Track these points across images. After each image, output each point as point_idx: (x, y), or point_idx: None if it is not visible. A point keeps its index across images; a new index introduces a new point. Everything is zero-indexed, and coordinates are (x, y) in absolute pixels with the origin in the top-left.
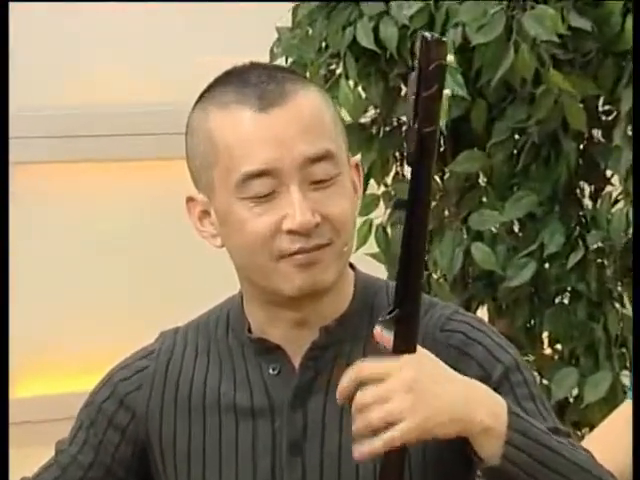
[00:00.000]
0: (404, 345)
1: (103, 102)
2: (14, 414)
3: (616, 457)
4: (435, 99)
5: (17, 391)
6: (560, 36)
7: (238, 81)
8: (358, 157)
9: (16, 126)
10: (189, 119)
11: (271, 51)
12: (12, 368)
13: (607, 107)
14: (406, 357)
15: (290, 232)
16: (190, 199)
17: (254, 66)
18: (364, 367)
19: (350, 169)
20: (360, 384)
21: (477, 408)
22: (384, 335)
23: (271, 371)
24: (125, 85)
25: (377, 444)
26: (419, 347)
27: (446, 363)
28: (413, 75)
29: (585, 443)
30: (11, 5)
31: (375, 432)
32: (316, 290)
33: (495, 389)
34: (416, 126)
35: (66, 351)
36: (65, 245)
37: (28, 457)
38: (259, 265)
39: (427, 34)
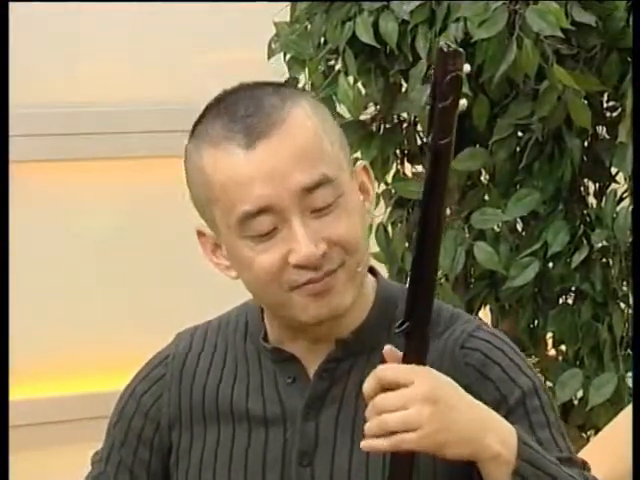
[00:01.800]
0: (415, 359)
1: (103, 101)
2: (13, 416)
3: (622, 459)
4: (451, 111)
5: (16, 393)
6: (564, 31)
7: (226, 114)
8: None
9: (14, 124)
10: (185, 150)
11: (269, 47)
12: (11, 370)
13: (612, 103)
14: (426, 369)
15: (297, 266)
16: (200, 234)
17: (243, 92)
18: (388, 369)
19: (357, 176)
20: (381, 387)
21: (488, 433)
22: (393, 352)
23: (286, 379)
24: (125, 83)
25: (385, 443)
26: (433, 370)
27: (463, 381)
28: (413, 69)
29: (590, 446)
30: (10, 5)
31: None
32: (334, 316)
33: (510, 413)
34: (430, 137)
35: (64, 353)
36: (64, 245)
37: (26, 460)
38: (273, 297)
39: (444, 45)
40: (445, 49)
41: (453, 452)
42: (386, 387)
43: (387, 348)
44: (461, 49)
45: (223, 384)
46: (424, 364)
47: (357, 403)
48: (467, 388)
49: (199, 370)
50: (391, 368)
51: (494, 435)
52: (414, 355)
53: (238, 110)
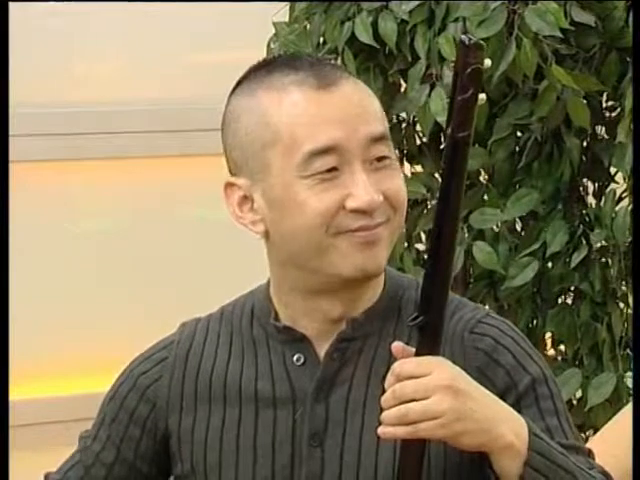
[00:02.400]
0: (428, 352)
1: (103, 101)
2: (13, 416)
3: (620, 458)
4: (471, 103)
5: (16, 393)
6: (563, 31)
7: (288, 65)
8: None
9: (14, 124)
10: (230, 105)
11: (268, 46)
12: (11, 370)
13: (611, 103)
14: (441, 359)
15: (354, 211)
16: (230, 184)
17: (295, 54)
18: (405, 363)
19: None
20: (400, 377)
21: (501, 423)
22: (405, 350)
23: (295, 361)
24: (124, 83)
25: (402, 431)
26: (448, 361)
27: (473, 366)
28: (412, 69)
29: (589, 445)
30: (10, 5)
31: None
32: (375, 271)
33: (519, 399)
34: (449, 130)
35: (64, 353)
36: (64, 245)
37: (26, 460)
38: (315, 243)
39: (465, 38)
40: (466, 41)
41: (468, 441)
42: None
43: (397, 345)
44: (482, 42)
45: (231, 368)
46: (438, 356)
47: (367, 384)
48: (477, 371)
49: (205, 355)
50: (408, 362)
51: (507, 425)
52: (428, 348)
53: (302, 62)
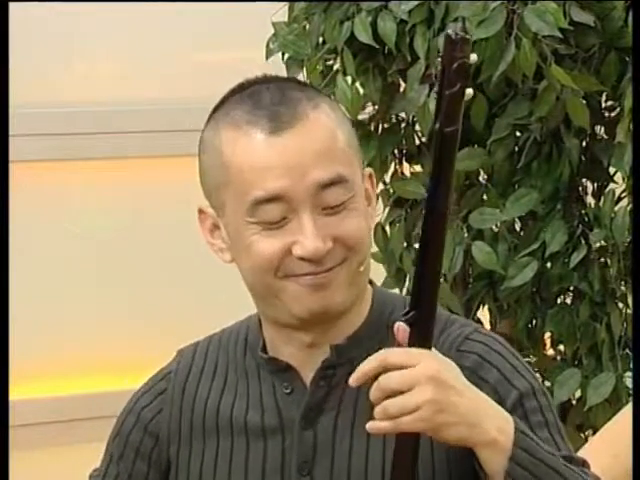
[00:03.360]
0: (419, 347)
1: (102, 101)
2: (13, 416)
3: (620, 458)
4: (458, 98)
5: (16, 393)
6: (562, 31)
7: (250, 100)
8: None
9: (14, 124)
10: (202, 135)
11: (267, 46)
12: (11, 370)
13: (610, 103)
14: (432, 352)
15: (301, 259)
16: (201, 212)
17: (268, 82)
18: (394, 351)
19: (364, 181)
20: (384, 369)
21: (487, 420)
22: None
23: (284, 390)
24: (124, 83)
25: (386, 425)
26: (439, 354)
27: None
28: (411, 69)
29: (589, 445)
30: (10, 5)
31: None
32: (328, 313)
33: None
34: (437, 125)
35: (64, 353)
36: (64, 245)
37: (26, 460)
38: (266, 284)
39: (451, 32)
40: (453, 36)
41: (450, 434)
42: (391, 369)
43: (399, 325)
44: (469, 36)
45: (224, 401)
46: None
47: (355, 409)
48: None
49: (201, 386)
50: (397, 350)
51: (492, 422)
52: (419, 343)
53: (263, 98)
